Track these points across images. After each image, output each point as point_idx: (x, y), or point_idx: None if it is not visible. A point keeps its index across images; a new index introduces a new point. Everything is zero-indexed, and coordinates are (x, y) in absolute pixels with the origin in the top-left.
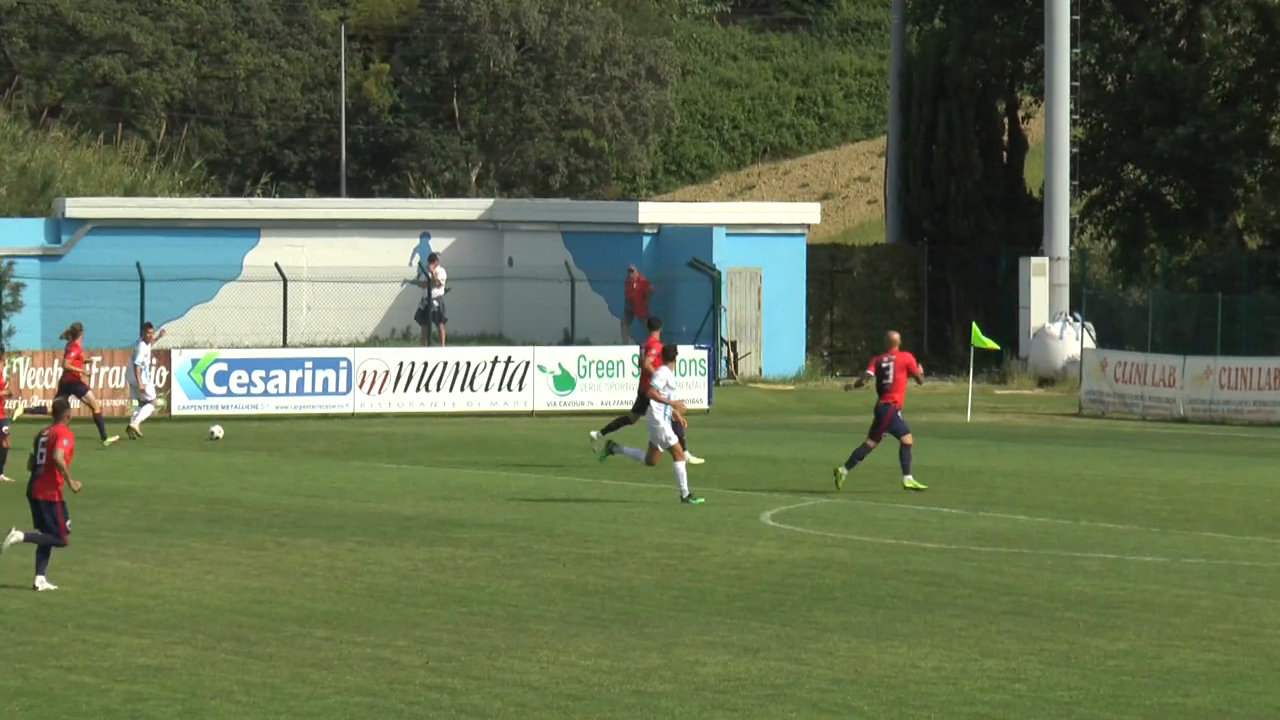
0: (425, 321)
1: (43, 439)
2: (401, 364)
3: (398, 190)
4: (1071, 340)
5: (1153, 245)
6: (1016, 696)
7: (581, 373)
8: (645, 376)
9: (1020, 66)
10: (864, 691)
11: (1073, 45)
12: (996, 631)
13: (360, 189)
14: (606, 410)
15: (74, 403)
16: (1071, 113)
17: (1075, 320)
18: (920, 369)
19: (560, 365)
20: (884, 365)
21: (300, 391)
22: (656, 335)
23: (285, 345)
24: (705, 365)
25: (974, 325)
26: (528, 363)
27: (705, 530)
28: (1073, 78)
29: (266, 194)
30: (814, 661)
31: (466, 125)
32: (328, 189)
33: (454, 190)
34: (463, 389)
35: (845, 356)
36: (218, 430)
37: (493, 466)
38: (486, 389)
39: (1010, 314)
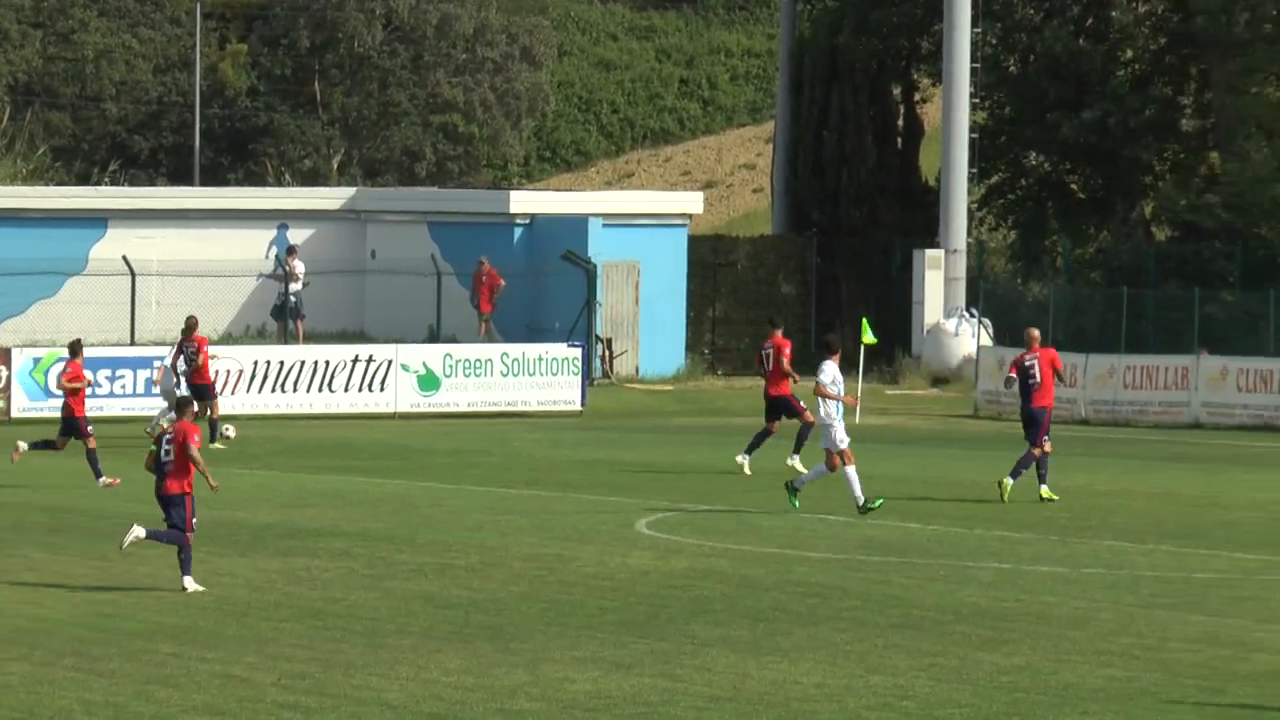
0: (282, 318)
1: (168, 436)
2: (256, 363)
3: (254, 179)
4: (968, 337)
5: (1055, 237)
6: (904, 715)
7: (447, 372)
8: (776, 379)
9: (917, 47)
10: (743, 710)
11: (973, 25)
12: (884, 646)
13: (214, 177)
14: (473, 413)
15: None
16: (971, 96)
17: (972, 316)
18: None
19: (425, 364)
20: (1027, 365)
21: (149, 393)
22: (780, 333)
23: (133, 343)
24: (579, 364)
25: (864, 322)
26: (390, 361)
27: (577, 539)
28: (973, 59)
29: (115, 182)
30: (690, 678)
31: (328, 109)
32: (180, 177)
33: (314, 179)
34: (321, 389)
35: (728, 355)
36: (230, 430)
37: (352, 472)
38: (346, 389)
39: (903, 310)
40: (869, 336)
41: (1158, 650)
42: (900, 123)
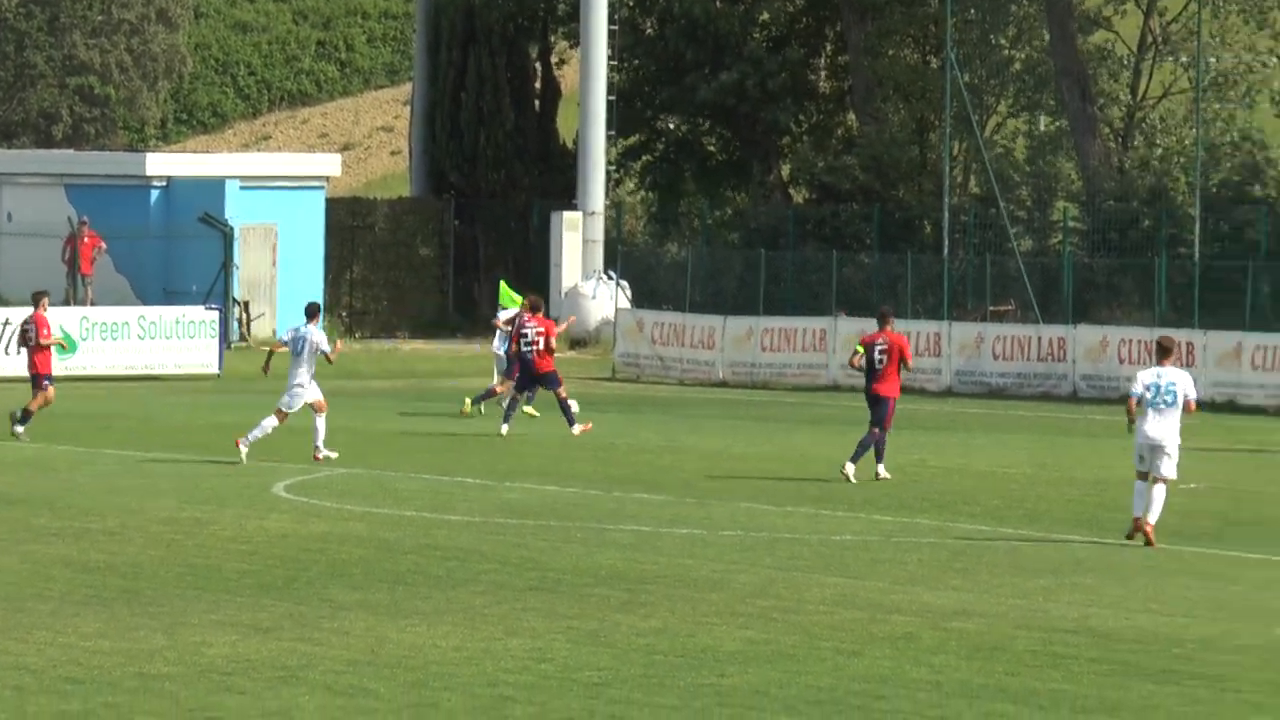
0: None
1: None
2: None
3: None
4: (605, 299)
5: (693, 198)
6: (543, 677)
7: (84, 335)
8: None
9: (554, 9)
10: (381, 673)
11: None
12: (522, 609)
13: None
14: (111, 376)
15: None
16: (609, 58)
17: (610, 278)
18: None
19: (61, 328)
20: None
21: None
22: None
23: None
24: (216, 327)
25: (503, 283)
26: None
27: (216, 503)
28: (610, 21)
29: None
30: (329, 641)
31: None
32: None
33: None
34: None
35: (365, 317)
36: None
37: None
38: None
39: (542, 272)
40: (511, 298)
41: (795, 612)
42: (538, 85)
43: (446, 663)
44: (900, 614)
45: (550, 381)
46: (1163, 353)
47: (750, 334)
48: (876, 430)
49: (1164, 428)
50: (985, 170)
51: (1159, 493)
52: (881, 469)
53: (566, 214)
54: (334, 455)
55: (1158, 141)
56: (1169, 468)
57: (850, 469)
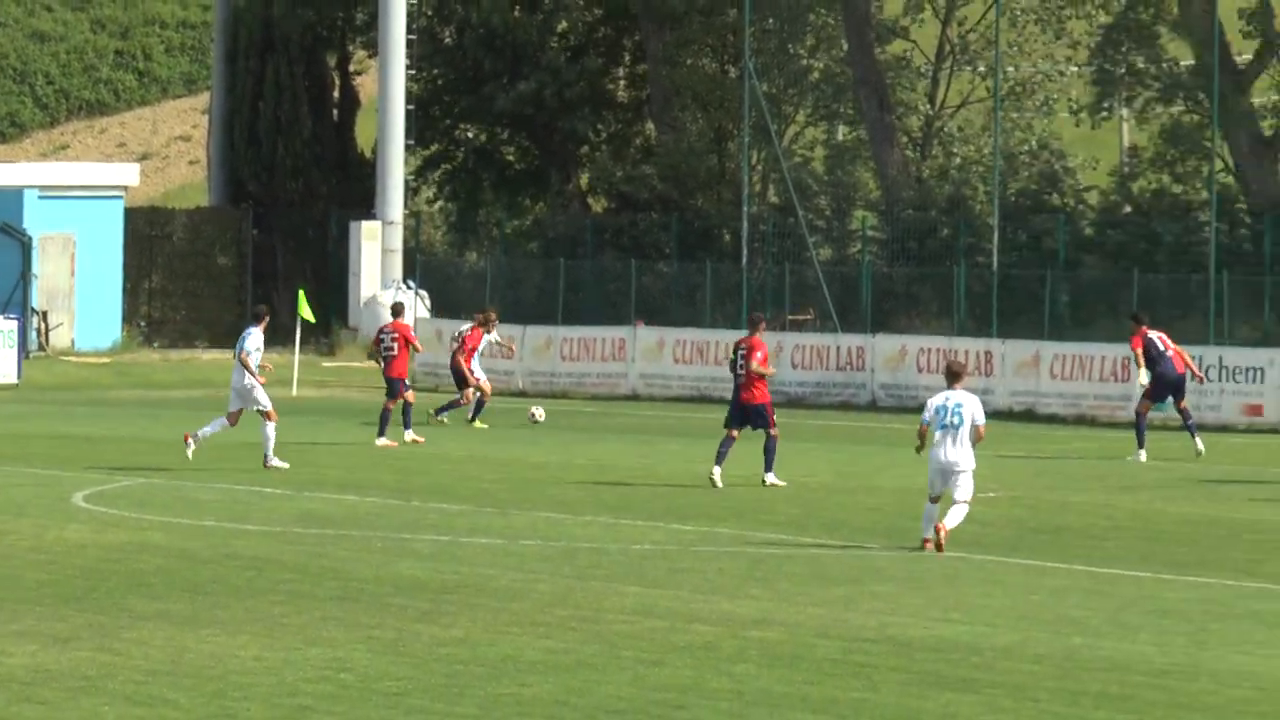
0: None
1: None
2: None
3: None
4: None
5: (491, 208)
6: (343, 687)
7: None
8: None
9: (353, 18)
10: (181, 683)
11: None
12: (321, 618)
13: None
14: None
15: None
16: (407, 68)
17: (409, 288)
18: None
19: None
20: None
21: None
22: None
23: None
24: (14, 337)
25: (301, 293)
26: None
27: (13, 513)
28: (408, 30)
29: None
30: (128, 652)
31: None
32: None
33: None
34: None
35: (164, 327)
36: (539, 412)
37: None
38: None
39: (341, 281)
40: (305, 310)
41: (595, 622)
42: (336, 94)
43: (246, 672)
44: (701, 623)
45: (394, 388)
46: (952, 377)
47: (549, 343)
48: (734, 435)
49: (956, 452)
50: (784, 179)
51: (958, 509)
52: (771, 476)
53: (365, 223)
54: (284, 465)
55: (956, 151)
56: (965, 491)
57: (717, 472)
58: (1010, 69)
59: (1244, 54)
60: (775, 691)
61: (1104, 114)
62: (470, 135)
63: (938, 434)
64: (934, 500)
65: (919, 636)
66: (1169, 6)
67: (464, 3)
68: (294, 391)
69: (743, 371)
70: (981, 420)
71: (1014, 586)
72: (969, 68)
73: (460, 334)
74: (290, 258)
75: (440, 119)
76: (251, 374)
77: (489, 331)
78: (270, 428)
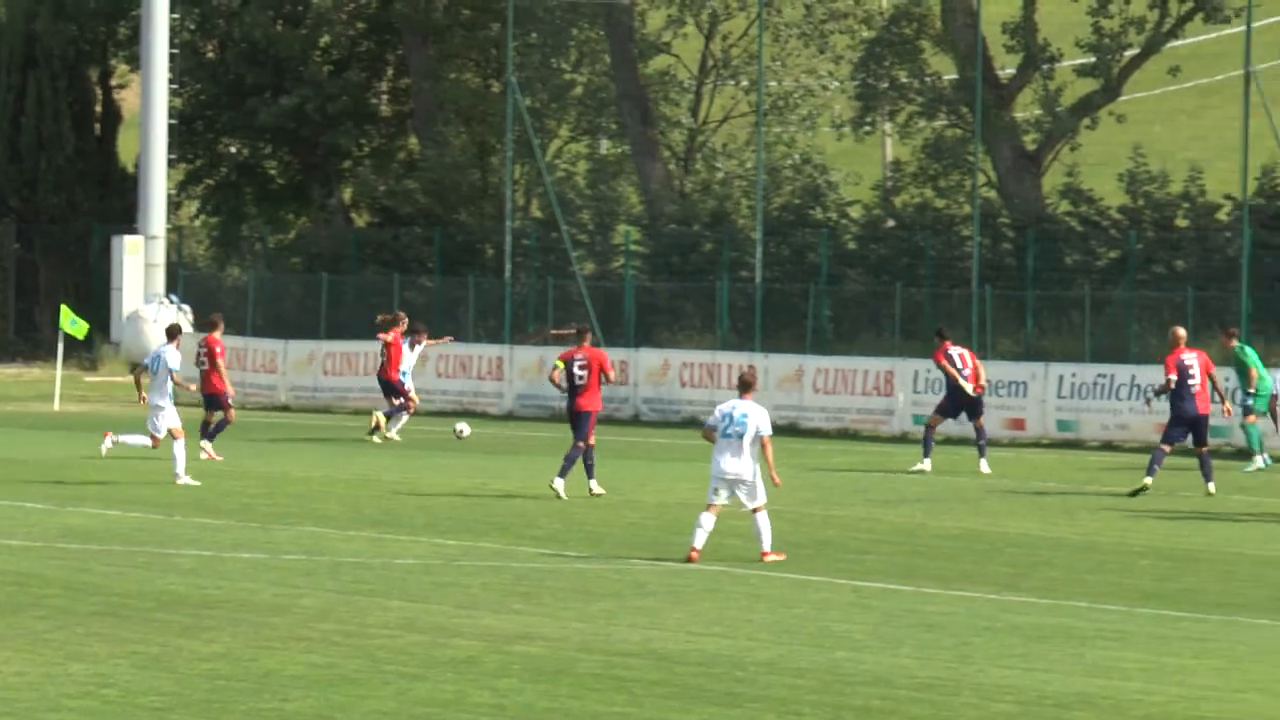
0: None
1: None
2: None
3: None
4: (167, 323)
5: (254, 222)
6: (105, 703)
7: None
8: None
9: (115, 33)
10: None
11: (171, 10)
12: (85, 634)
13: None
14: None
15: None
16: (170, 82)
17: (171, 302)
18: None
19: None
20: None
21: None
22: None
23: None
24: None
25: (64, 308)
26: None
27: None
28: (171, 45)
29: None
30: None
31: None
32: None
33: None
34: None
35: None
36: (464, 429)
37: None
38: None
39: (103, 295)
40: (70, 325)
41: (358, 636)
42: (99, 109)
43: (8, 688)
44: (463, 638)
45: (211, 403)
46: (744, 387)
47: (312, 358)
48: (581, 445)
49: (739, 461)
50: (547, 193)
51: (762, 521)
52: (594, 484)
53: (127, 238)
54: (197, 483)
55: (719, 165)
56: (757, 497)
57: (559, 484)
58: (773, 84)
59: (1007, 68)
60: (538, 706)
61: (867, 128)
62: (233, 150)
63: (721, 441)
64: (710, 508)
65: (681, 650)
66: (932, 21)
67: (227, 17)
68: (56, 406)
69: (582, 382)
70: (768, 431)
71: (776, 600)
72: (732, 82)
73: (384, 345)
74: (52, 273)
75: (203, 133)
76: (185, 388)
77: (420, 341)
78: (179, 446)
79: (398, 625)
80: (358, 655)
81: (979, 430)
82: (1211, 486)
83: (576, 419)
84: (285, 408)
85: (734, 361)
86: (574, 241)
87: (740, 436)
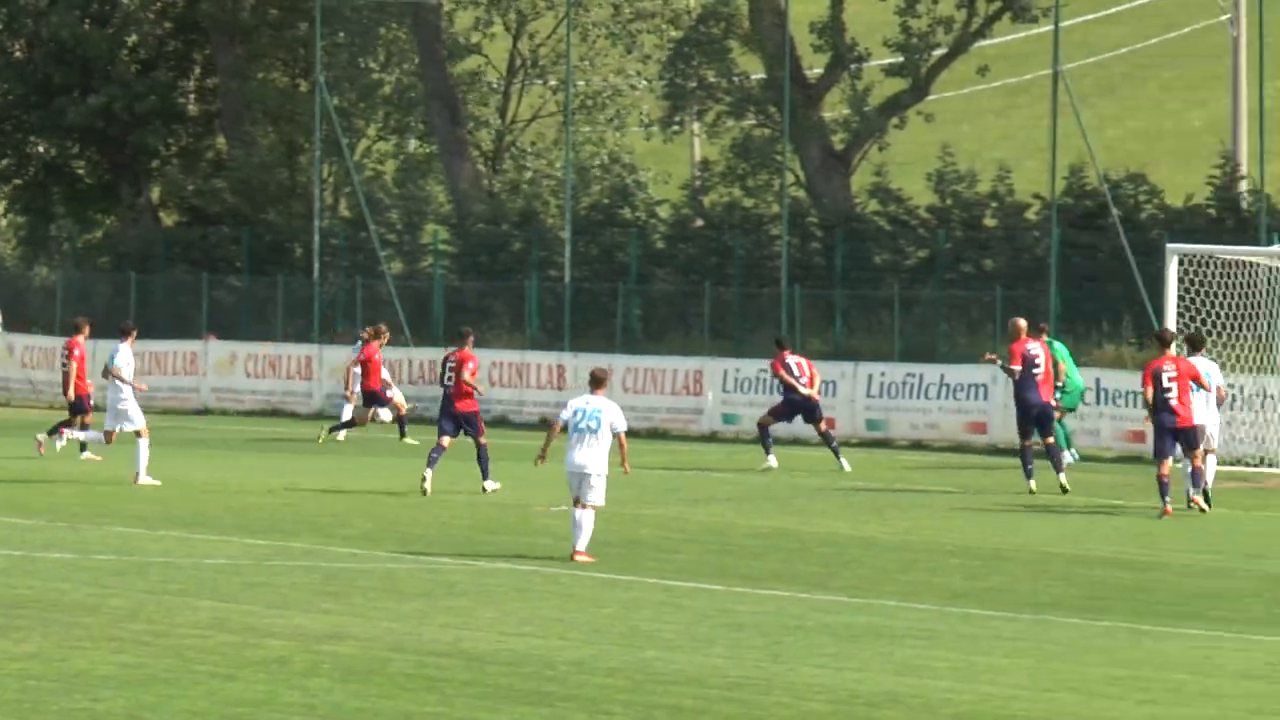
0: None
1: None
2: None
3: None
4: None
5: (62, 221)
6: None
7: None
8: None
9: None
10: None
11: None
12: None
13: None
14: None
15: None
16: None
17: None
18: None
19: None
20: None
21: None
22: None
23: None
24: None
25: None
26: None
27: None
28: None
29: None
30: None
31: None
32: None
33: None
34: None
35: None
36: (385, 414)
37: None
38: None
39: None
40: None
41: (169, 636)
42: None
43: None
44: (274, 637)
45: (75, 406)
46: (595, 383)
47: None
48: (483, 441)
49: (589, 455)
50: (355, 193)
51: (587, 519)
52: (489, 484)
53: None
54: (157, 482)
55: (528, 164)
56: (597, 496)
57: (490, 485)
58: (581, 83)
59: (815, 68)
60: (349, 706)
61: (675, 128)
62: (41, 149)
63: (573, 436)
64: (577, 503)
65: (491, 650)
66: (740, 21)
67: (34, 17)
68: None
69: (451, 383)
70: (622, 427)
71: (587, 600)
72: (540, 82)
73: (358, 356)
74: None
75: (11, 133)
76: (129, 385)
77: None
78: (143, 445)
79: (208, 625)
80: (168, 655)
81: (826, 434)
82: (1063, 478)
83: (459, 420)
84: (97, 408)
85: (543, 361)
86: (382, 241)
87: (595, 431)
